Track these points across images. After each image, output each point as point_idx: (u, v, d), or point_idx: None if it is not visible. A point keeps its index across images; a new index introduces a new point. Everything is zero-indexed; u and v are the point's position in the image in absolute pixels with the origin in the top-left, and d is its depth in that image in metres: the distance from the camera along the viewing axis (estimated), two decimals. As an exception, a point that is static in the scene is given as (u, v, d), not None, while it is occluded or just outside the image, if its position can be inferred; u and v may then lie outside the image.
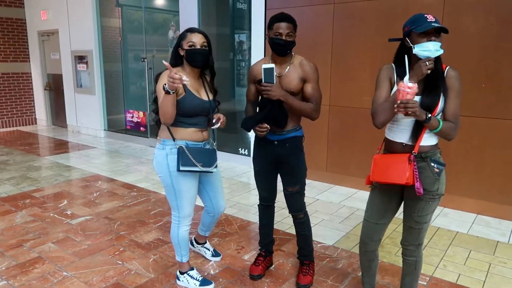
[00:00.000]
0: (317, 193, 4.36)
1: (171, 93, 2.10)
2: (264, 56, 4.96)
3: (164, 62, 2.10)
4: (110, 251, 3.03)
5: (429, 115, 1.81)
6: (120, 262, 2.86)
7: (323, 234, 3.35)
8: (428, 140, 1.93)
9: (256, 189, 2.68)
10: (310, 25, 4.59)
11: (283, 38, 2.27)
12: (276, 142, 2.43)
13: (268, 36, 2.35)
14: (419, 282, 2.59)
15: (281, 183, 2.55)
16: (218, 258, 2.92)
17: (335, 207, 3.96)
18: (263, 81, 2.25)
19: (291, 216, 2.61)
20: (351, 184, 4.44)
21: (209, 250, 2.94)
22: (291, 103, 2.31)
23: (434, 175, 1.93)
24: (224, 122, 2.40)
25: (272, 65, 2.24)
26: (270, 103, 2.30)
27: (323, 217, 3.71)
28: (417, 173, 1.89)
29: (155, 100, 2.30)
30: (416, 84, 1.76)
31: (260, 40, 5.03)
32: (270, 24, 2.33)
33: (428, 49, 1.79)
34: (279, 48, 2.31)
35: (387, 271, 2.74)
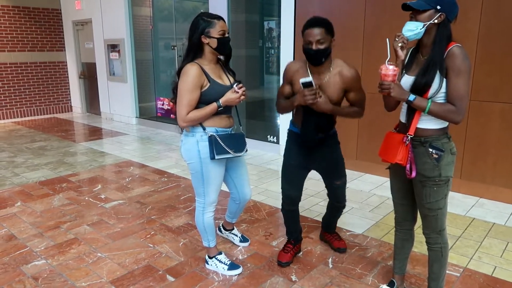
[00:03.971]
0: (347, 181, 4.28)
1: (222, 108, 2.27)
2: (294, 43, 4.89)
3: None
4: (141, 235, 3.12)
5: (411, 96, 1.80)
6: (151, 245, 2.94)
7: (353, 222, 3.31)
8: (428, 123, 1.87)
9: None
10: (341, 10, 4.47)
11: (313, 47, 2.13)
12: (317, 141, 2.40)
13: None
14: (452, 273, 2.53)
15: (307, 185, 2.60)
16: (246, 244, 2.94)
17: (365, 196, 3.90)
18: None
19: (328, 203, 2.74)
20: (382, 173, 4.34)
21: (237, 236, 2.97)
22: (339, 114, 2.34)
23: (432, 161, 1.88)
24: (246, 93, 2.30)
25: (310, 78, 2.14)
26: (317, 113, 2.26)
27: (352, 205, 3.65)
28: (411, 155, 1.89)
29: (173, 91, 2.32)
30: (394, 66, 1.79)
31: (290, 27, 4.95)
32: (302, 31, 2.20)
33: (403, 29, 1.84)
34: (311, 58, 2.19)
35: (418, 261, 2.68)
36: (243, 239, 2.96)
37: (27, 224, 3.32)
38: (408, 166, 1.90)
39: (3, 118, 8.37)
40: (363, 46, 4.37)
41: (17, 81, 8.44)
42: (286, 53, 5.05)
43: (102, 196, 3.95)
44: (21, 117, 8.63)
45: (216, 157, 2.28)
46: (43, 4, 8.61)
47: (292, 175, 2.53)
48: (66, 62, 9.16)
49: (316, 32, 2.11)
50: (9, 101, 8.43)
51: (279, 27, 5.20)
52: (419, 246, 2.83)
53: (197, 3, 7.19)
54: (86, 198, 3.90)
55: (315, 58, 2.17)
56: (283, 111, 2.46)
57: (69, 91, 9.36)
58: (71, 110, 9.45)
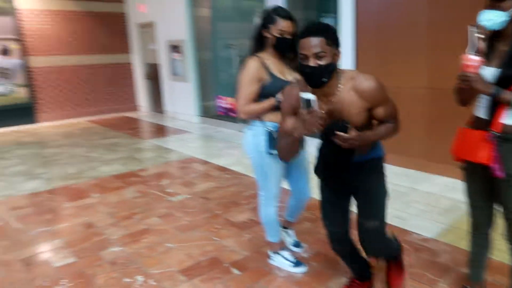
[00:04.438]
0: (415, 183, 4.11)
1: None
2: (357, 41, 4.76)
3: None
4: (207, 228, 3.23)
5: (497, 89, 1.67)
6: (217, 239, 3.04)
7: (421, 225, 3.16)
8: None
9: None
10: (405, 1, 4.26)
11: (310, 63, 1.59)
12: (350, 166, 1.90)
13: None
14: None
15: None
16: (298, 249, 2.82)
17: (435, 198, 3.71)
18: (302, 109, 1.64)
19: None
20: (454, 174, 4.09)
21: (290, 237, 2.85)
22: (370, 141, 1.82)
23: None
24: None
25: (312, 96, 1.58)
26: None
27: (421, 207, 3.49)
28: (495, 153, 1.75)
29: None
30: (477, 56, 1.66)
31: (348, 24, 4.80)
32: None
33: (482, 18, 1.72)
34: (307, 78, 1.65)
35: (497, 269, 2.50)
36: (296, 244, 2.84)
37: (104, 213, 3.58)
38: (494, 165, 1.77)
39: (79, 117, 9.08)
40: (427, 36, 4.12)
41: (89, 82, 9.14)
42: (346, 52, 4.91)
43: (169, 190, 4.14)
44: (94, 115, 9.30)
45: (272, 152, 2.30)
46: (109, 9, 9.25)
47: (326, 209, 2.04)
48: (132, 63, 9.72)
49: (314, 43, 1.58)
50: (83, 101, 9.14)
51: (336, 25, 5.08)
52: (497, 253, 2.64)
53: (255, 2, 7.24)
54: (155, 192, 4.11)
55: (313, 79, 1.63)
56: (288, 155, 1.91)
57: (136, 91, 9.92)
58: (138, 109, 10.00)
